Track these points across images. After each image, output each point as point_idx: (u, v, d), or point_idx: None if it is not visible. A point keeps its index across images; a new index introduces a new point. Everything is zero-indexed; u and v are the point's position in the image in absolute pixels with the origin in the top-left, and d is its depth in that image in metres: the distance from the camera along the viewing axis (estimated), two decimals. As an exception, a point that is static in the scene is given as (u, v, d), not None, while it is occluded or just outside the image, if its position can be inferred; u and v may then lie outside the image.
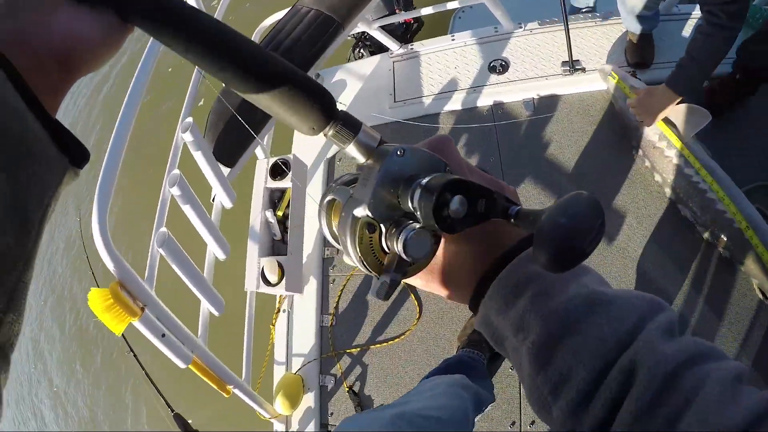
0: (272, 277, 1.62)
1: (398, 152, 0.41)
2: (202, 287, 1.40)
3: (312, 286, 1.89)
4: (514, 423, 1.55)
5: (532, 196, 1.81)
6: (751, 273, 1.50)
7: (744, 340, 1.47)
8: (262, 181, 1.76)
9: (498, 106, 1.94)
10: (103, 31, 0.41)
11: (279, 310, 1.88)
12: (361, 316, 1.80)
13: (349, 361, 1.76)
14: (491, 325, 0.43)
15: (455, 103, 2.00)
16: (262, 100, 0.41)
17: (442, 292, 0.48)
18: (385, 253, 0.43)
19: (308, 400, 1.76)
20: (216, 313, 1.47)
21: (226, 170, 1.56)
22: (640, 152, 1.73)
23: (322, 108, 0.41)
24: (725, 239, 1.53)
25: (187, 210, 1.39)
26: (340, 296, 1.85)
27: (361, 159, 0.44)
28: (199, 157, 1.42)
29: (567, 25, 1.81)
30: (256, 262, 1.68)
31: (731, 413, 0.29)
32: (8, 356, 0.33)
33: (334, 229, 0.48)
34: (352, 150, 0.43)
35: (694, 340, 0.35)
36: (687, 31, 1.86)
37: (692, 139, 1.59)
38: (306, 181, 1.83)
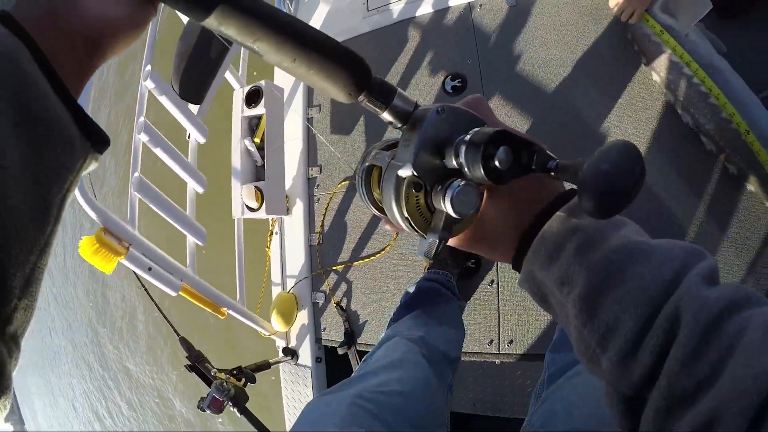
0: (252, 203, 1.68)
1: (438, 110, 0.42)
2: (181, 221, 1.48)
3: (299, 207, 1.96)
4: (492, 341, 1.56)
5: (516, 101, 1.68)
6: (763, 195, 1.32)
7: (750, 267, 1.34)
8: (239, 110, 1.77)
9: (475, 3, 1.79)
10: (131, 14, 0.41)
11: (271, 233, 1.96)
12: (345, 233, 1.85)
13: (336, 277, 1.85)
14: (535, 280, 0.44)
15: (427, 6, 1.85)
16: (298, 70, 0.42)
17: (486, 251, 0.49)
18: (431, 212, 0.44)
19: (302, 317, 1.88)
20: (200, 243, 1.56)
21: (196, 108, 1.57)
22: (636, 47, 1.54)
23: (357, 76, 0.42)
24: (731, 153, 1.34)
25: (159, 152, 1.45)
26: (324, 215, 1.90)
27: (397, 124, 0.45)
28: (164, 101, 1.47)
29: None
30: (239, 189, 1.72)
31: None
32: (19, 343, 0.35)
33: (375, 195, 0.51)
34: (387, 116, 0.45)
35: (735, 285, 0.35)
36: None
37: (697, 32, 1.35)
38: (283, 104, 1.81)
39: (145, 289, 1.72)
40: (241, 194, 1.71)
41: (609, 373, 0.38)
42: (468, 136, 0.40)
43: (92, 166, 0.40)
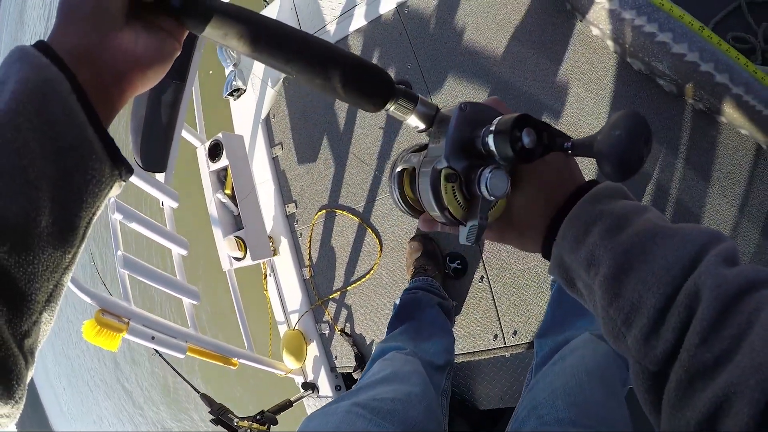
0: (236, 253, 1.72)
1: (461, 107, 0.47)
2: (172, 286, 1.54)
3: (285, 245, 2.03)
4: (496, 336, 1.58)
5: (463, 92, 1.70)
6: (737, 123, 1.28)
7: (742, 204, 1.31)
8: (205, 167, 1.81)
9: (402, 6, 1.83)
10: (158, 49, 0.45)
11: (265, 275, 1.99)
12: (333, 260, 1.91)
13: (334, 306, 1.91)
14: (564, 265, 0.47)
15: (359, 20, 1.94)
16: (329, 87, 0.47)
17: (516, 241, 0.53)
18: (467, 200, 0.48)
19: (313, 349, 1.94)
20: (195, 303, 1.59)
21: (162, 176, 1.62)
22: (568, 6, 1.47)
23: (383, 88, 0.48)
24: (693, 88, 1.29)
25: (135, 227, 1.51)
26: (309, 247, 1.97)
27: (422, 126, 0.51)
28: (132, 178, 1.49)
29: None
30: (222, 243, 1.75)
31: None
32: (35, 354, 0.38)
33: (408, 196, 0.57)
34: (413, 120, 0.50)
35: (753, 267, 0.37)
36: None
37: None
38: (245, 151, 1.84)
39: (159, 354, 1.77)
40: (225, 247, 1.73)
41: (634, 350, 0.40)
42: (493, 126, 0.45)
43: (115, 192, 0.43)
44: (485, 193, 0.45)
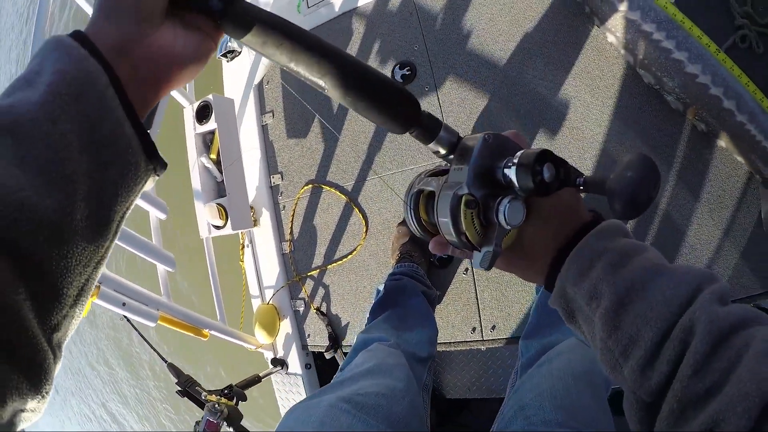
0: (216, 221, 1.68)
1: (485, 138, 0.49)
2: (147, 251, 1.50)
3: (266, 217, 1.99)
4: (474, 329, 1.59)
5: (469, 82, 1.66)
6: (734, 149, 1.29)
7: (727, 228, 1.33)
8: (191, 129, 1.73)
9: None
10: (196, 48, 0.45)
11: (243, 246, 1.95)
12: (315, 237, 1.89)
13: (312, 283, 1.89)
14: (566, 296, 0.49)
15: None
16: (358, 106, 0.48)
17: (522, 271, 0.55)
18: (484, 227, 0.50)
19: (285, 326, 1.93)
20: (170, 270, 1.54)
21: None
22: (587, 9, 1.45)
23: (409, 113, 0.49)
24: (699, 109, 1.30)
25: None
26: (292, 221, 1.93)
27: (443, 152, 0.52)
28: None
29: None
30: (202, 209, 1.67)
31: None
32: (62, 348, 0.37)
33: (422, 217, 0.59)
34: (434, 146, 0.52)
35: (743, 306, 0.40)
36: None
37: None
38: (235, 115, 1.77)
39: (128, 320, 1.70)
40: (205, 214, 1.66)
41: (630, 381, 0.42)
42: (516, 159, 0.47)
43: (149, 187, 0.43)
44: (503, 221, 0.48)
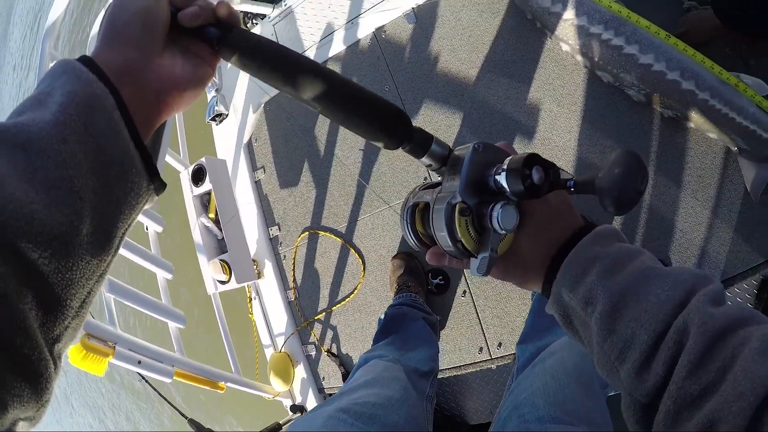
0: (221, 276, 1.71)
1: (475, 147, 0.50)
2: (157, 310, 1.55)
3: (269, 268, 2.05)
4: (481, 349, 1.60)
5: (440, 114, 1.74)
6: (704, 127, 1.32)
7: (714, 206, 1.35)
8: (188, 191, 1.80)
9: (380, 31, 1.91)
10: (195, 72, 0.47)
11: (250, 299, 1.98)
12: (318, 281, 1.94)
13: (320, 326, 1.93)
14: (562, 302, 0.49)
15: (338, 45, 2.02)
16: (351, 124, 0.50)
17: (519, 277, 0.55)
18: (478, 234, 0.51)
19: (300, 371, 1.95)
20: (181, 327, 1.57)
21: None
22: (538, 24, 1.51)
23: (400, 129, 0.50)
24: (661, 97, 1.34)
25: (121, 251, 1.46)
26: (294, 269, 1.99)
27: (436, 165, 0.53)
28: None
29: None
30: (207, 266, 1.73)
31: None
32: (62, 359, 0.38)
33: (419, 230, 0.60)
34: (427, 159, 0.53)
35: (738, 306, 0.40)
36: None
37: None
38: (228, 175, 1.85)
39: (146, 381, 1.73)
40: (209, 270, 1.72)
41: (627, 383, 0.42)
42: (505, 164, 0.48)
43: (149, 206, 0.44)
44: (496, 226, 0.48)
